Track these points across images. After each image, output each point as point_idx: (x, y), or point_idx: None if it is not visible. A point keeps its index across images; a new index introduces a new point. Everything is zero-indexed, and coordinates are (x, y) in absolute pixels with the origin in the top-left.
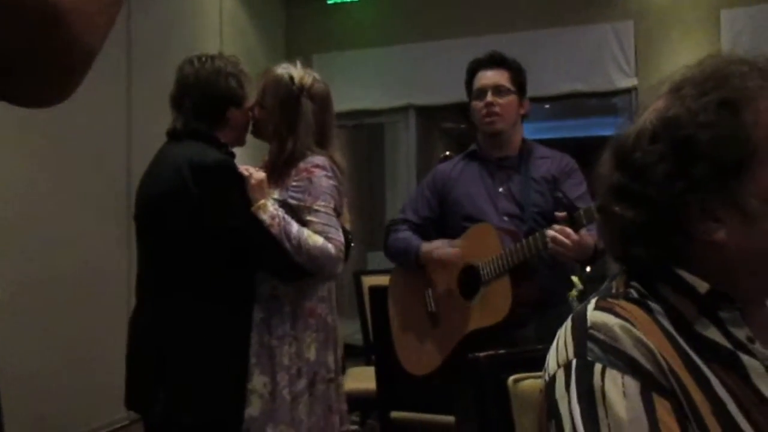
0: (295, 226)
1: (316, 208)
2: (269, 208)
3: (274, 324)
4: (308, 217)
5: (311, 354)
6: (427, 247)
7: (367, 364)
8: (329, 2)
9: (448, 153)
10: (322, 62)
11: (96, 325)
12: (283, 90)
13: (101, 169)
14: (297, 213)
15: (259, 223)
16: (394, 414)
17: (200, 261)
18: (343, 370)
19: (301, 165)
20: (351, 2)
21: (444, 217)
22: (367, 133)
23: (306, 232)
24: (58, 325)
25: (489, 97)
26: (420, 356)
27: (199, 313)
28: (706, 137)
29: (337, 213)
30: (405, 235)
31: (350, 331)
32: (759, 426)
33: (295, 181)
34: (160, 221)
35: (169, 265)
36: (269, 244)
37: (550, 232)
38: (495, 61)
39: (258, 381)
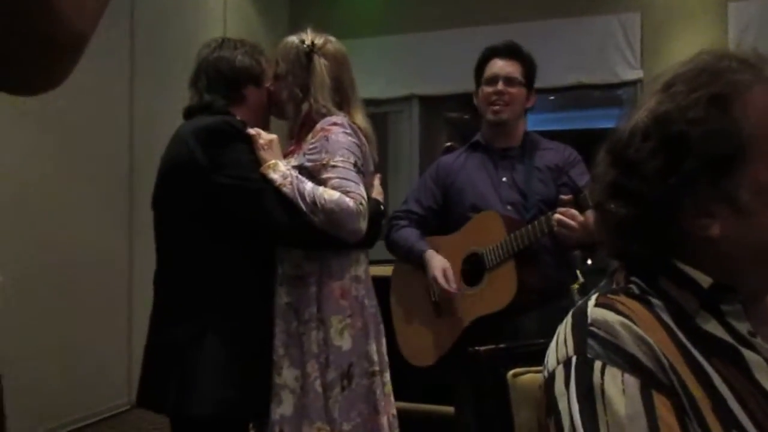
0: (309, 184)
1: (333, 163)
2: (281, 168)
3: (301, 308)
4: (325, 175)
5: (344, 342)
6: (428, 257)
7: None
8: None
9: (450, 144)
10: None
11: (97, 311)
12: (294, 51)
13: (103, 157)
14: (315, 175)
15: (268, 183)
16: (395, 404)
17: (214, 234)
18: None
19: (318, 125)
20: None
21: (447, 207)
22: (370, 123)
23: (321, 189)
24: (60, 311)
25: (500, 86)
26: (423, 347)
27: (211, 299)
28: (697, 133)
29: (359, 169)
30: (408, 232)
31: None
32: (759, 421)
33: (311, 143)
34: (172, 197)
35: (182, 245)
36: (280, 204)
37: (557, 215)
38: (511, 51)
39: (288, 375)
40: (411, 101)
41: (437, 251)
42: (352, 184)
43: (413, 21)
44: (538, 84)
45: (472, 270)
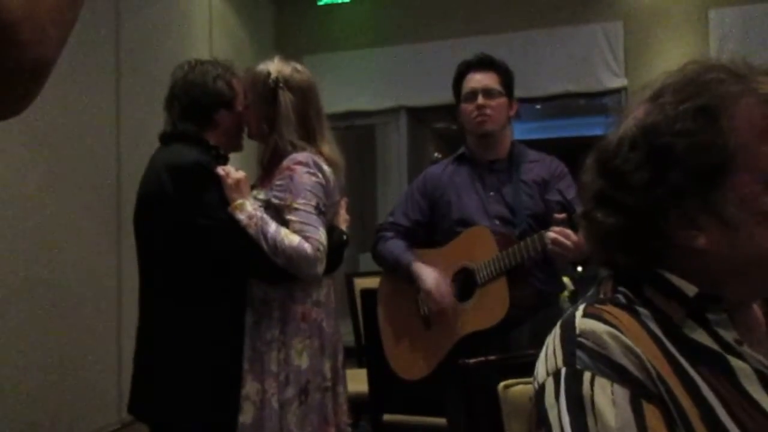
0: (272, 226)
1: (295, 206)
2: (247, 208)
3: (263, 328)
4: (288, 217)
5: (303, 361)
6: (416, 268)
7: (359, 366)
8: (319, 3)
9: (438, 155)
10: (313, 64)
11: (86, 328)
12: (261, 85)
13: (91, 173)
14: (280, 213)
15: (236, 223)
16: (387, 416)
17: (185, 264)
18: None
19: (284, 163)
20: (341, 3)
21: (434, 220)
22: (358, 135)
23: (283, 232)
24: (48, 328)
25: (480, 100)
26: (412, 361)
27: (185, 318)
28: (684, 145)
29: (320, 211)
30: (394, 244)
31: (342, 333)
32: (747, 429)
33: (278, 180)
34: (145, 225)
35: (157, 269)
36: (245, 244)
37: (551, 234)
38: (484, 63)
39: (251, 387)
40: (399, 113)
41: (426, 264)
42: (312, 228)
43: (400, 33)
44: (524, 93)
45: (463, 284)
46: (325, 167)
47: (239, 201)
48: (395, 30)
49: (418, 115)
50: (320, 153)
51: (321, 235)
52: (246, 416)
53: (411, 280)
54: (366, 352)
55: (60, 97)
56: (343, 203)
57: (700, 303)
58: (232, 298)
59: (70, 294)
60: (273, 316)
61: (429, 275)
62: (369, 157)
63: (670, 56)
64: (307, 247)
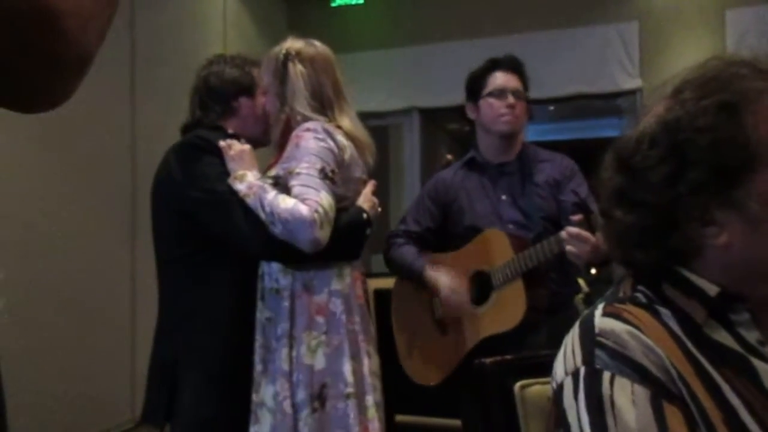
0: (271, 194)
1: (297, 171)
2: (248, 178)
3: (275, 324)
4: (291, 182)
5: (316, 360)
6: (430, 274)
7: None
8: (333, 5)
9: (450, 157)
10: None
11: (100, 327)
12: (273, 63)
13: (105, 175)
14: (287, 185)
15: (234, 194)
16: (399, 417)
17: (184, 246)
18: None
19: (293, 134)
20: (355, 5)
21: (446, 226)
22: (371, 136)
23: (280, 197)
24: (62, 327)
25: (511, 99)
26: (428, 365)
27: (186, 320)
28: (705, 141)
29: (326, 175)
30: (407, 249)
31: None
32: None
33: (286, 152)
34: (156, 216)
35: (162, 256)
36: (245, 216)
37: (567, 236)
38: (513, 64)
39: (267, 392)
40: (411, 113)
41: (440, 269)
42: (312, 191)
43: (413, 34)
44: (538, 95)
45: (478, 289)
46: (340, 137)
47: (240, 172)
48: (408, 31)
49: (431, 116)
50: (338, 127)
51: (322, 197)
52: (263, 426)
53: (425, 287)
54: (379, 352)
55: (74, 98)
56: (370, 184)
57: (721, 303)
58: (239, 290)
59: (85, 295)
60: (282, 307)
61: (444, 282)
62: (382, 158)
63: (686, 57)
64: (303, 208)
